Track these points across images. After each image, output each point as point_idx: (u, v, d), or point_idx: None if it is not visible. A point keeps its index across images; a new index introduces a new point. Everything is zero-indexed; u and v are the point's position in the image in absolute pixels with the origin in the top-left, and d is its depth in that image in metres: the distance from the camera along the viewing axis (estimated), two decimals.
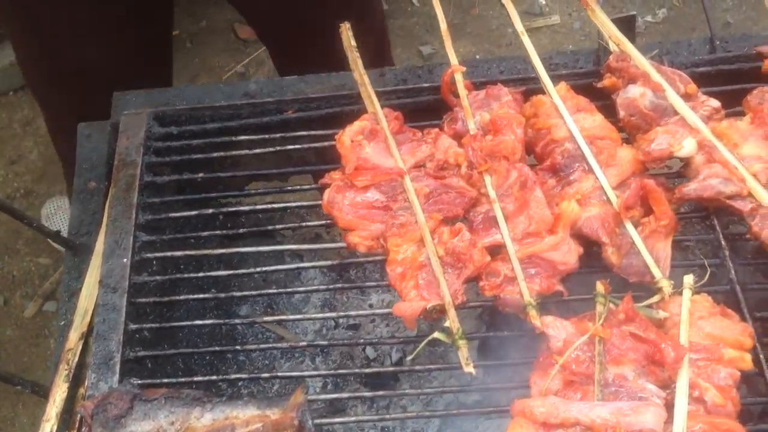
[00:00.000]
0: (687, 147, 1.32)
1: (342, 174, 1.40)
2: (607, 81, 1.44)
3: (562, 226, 1.29)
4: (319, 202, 1.39)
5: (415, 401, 1.56)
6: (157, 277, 1.34)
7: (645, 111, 1.38)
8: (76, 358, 1.29)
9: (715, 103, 1.37)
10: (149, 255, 1.35)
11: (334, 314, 1.41)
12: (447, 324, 1.26)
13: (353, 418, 1.36)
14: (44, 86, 1.97)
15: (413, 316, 1.27)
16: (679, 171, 1.38)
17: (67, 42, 1.73)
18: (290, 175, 1.58)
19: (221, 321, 1.35)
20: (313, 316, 1.44)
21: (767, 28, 3.37)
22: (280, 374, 1.31)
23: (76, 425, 1.24)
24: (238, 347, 1.28)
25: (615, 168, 1.34)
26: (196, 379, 1.25)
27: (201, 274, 1.36)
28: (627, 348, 1.19)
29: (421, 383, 1.57)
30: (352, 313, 1.42)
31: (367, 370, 1.38)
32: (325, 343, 1.36)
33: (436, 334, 1.27)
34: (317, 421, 1.13)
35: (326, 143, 1.46)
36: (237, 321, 1.38)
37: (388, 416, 1.38)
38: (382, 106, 1.48)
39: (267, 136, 1.48)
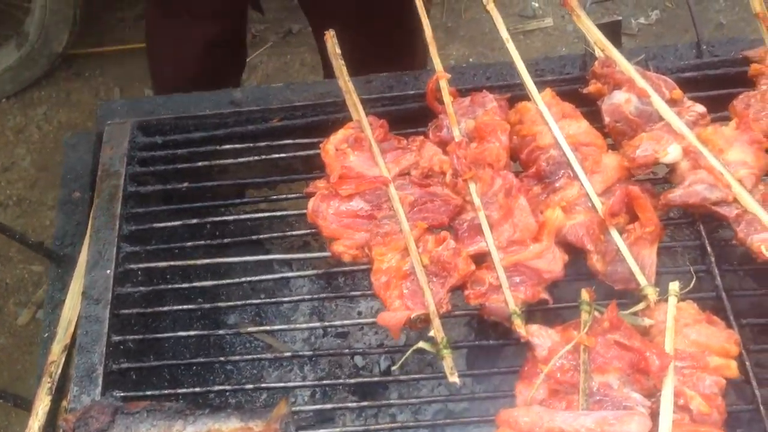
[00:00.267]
0: (672, 153, 1.31)
1: (327, 183, 1.39)
2: (593, 87, 1.43)
3: (547, 233, 1.28)
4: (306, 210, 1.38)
5: (403, 410, 1.56)
6: (141, 288, 1.33)
7: (630, 117, 1.37)
8: (59, 371, 1.28)
9: (701, 108, 1.37)
10: (133, 266, 1.34)
11: (319, 324, 1.41)
12: (432, 333, 1.26)
13: (339, 429, 1.35)
14: None
15: (398, 326, 1.26)
16: (665, 177, 1.38)
17: None
18: (276, 183, 1.58)
19: (205, 332, 1.35)
20: (298, 326, 1.43)
21: (759, 29, 3.36)
22: (263, 385, 1.31)
23: None
24: (222, 358, 1.28)
25: (600, 174, 1.34)
26: (179, 391, 1.25)
27: (186, 285, 1.35)
28: (612, 356, 1.19)
29: (410, 391, 1.57)
30: (337, 323, 1.41)
31: (351, 381, 1.38)
32: (309, 353, 1.35)
33: (421, 344, 1.26)
34: None
35: (312, 152, 1.46)
36: (221, 332, 1.37)
37: (375, 426, 1.37)
38: (368, 114, 1.47)
39: (252, 144, 1.48)
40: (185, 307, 1.33)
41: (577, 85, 1.50)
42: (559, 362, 1.19)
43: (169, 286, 1.37)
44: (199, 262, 1.37)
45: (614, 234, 1.29)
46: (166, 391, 1.24)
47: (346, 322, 1.43)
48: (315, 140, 1.46)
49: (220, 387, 1.28)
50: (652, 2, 3.58)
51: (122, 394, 1.23)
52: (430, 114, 1.50)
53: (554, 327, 1.25)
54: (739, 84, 1.45)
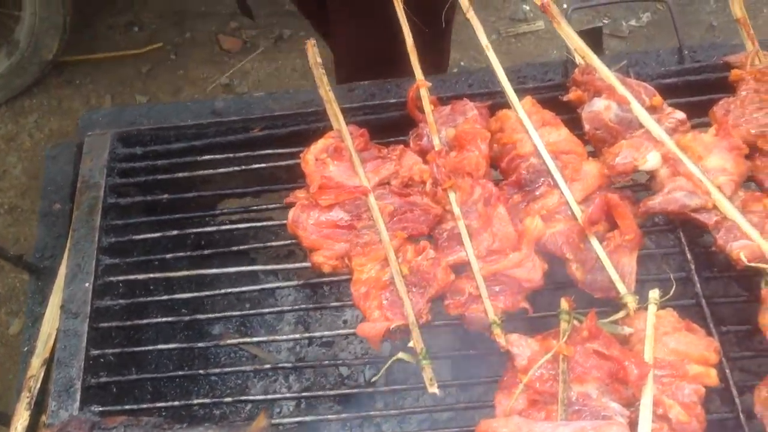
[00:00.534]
0: (651, 160, 1.31)
1: (307, 193, 1.39)
2: (573, 94, 1.43)
3: (526, 242, 1.28)
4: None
5: (389, 419, 1.55)
6: (121, 301, 1.32)
7: (610, 124, 1.37)
8: (38, 385, 1.28)
9: (681, 115, 1.36)
10: (113, 278, 1.34)
11: (299, 336, 1.40)
12: (411, 344, 1.25)
13: None
14: None
15: (377, 337, 1.26)
16: (646, 184, 1.37)
17: None
18: (257, 194, 1.57)
19: (185, 345, 1.34)
20: (278, 337, 1.43)
21: (758, 28, 3.36)
22: (243, 398, 1.30)
23: None
24: (201, 371, 1.27)
25: (580, 182, 1.33)
26: (158, 404, 1.24)
27: (166, 297, 1.35)
28: (591, 366, 1.18)
29: (395, 400, 1.56)
30: (317, 334, 1.41)
31: (332, 393, 1.36)
32: (290, 364, 1.35)
33: (401, 355, 1.26)
34: None
35: (292, 161, 1.45)
36: (201, 344, 1.37)
37: None
38: (350, 122, 1.47)
39: (233, 155, 1.47)
40: (165, 319, 1.32)
41: (559, 92, 1.50)
42: (538, 372, 1.19)
43: (149, 299, 1.36)
44: (179, 273, 1.37)
45: (594, 242, 1.29)
46: (145, 405, 1.23)
47: (326, 333, 1.42)
48: (296, 150, 1.45)
49: (200, 400, 1.27)
50: (644, 4, 3.57)
51: (101, 409, 1.22)
52: (412, 122, 1.49)
53: (534, 336, 1.24)
54: (721, 90, 1.45)
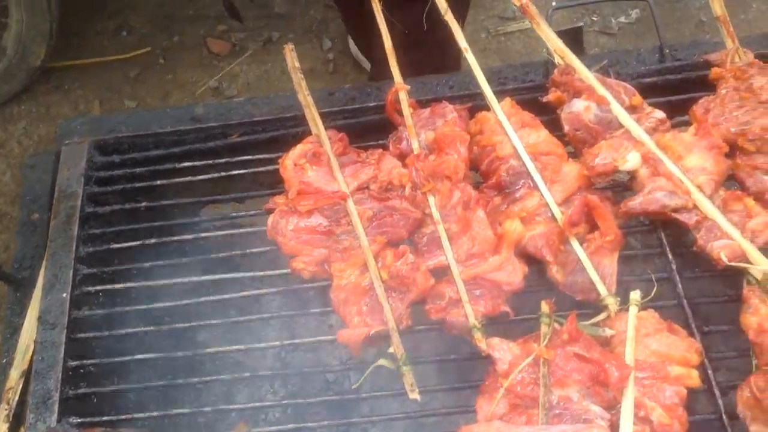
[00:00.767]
0: (631, 161, 1.30)
1: (286, 198, 1.38)
2: (552, 95, 1.42)
3: (506, 245, 1.27)
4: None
5: (376, 423, 1.54)
6: (99, 311, 1.31)
7: (590, 125, 1.36)
8: (17, 397, 1.27)
9: (660, 114, 1.36)
10: (91, 288, 1.33)
11: (278, 343, 1.39)
12: (391, 350, 1.24)
13: None
14: None
15: (357, 343, 1.25)
16: (626, 184, 1.36)
17: None
18: (240, 200, 1.56)
19: (162, 354, 1.32)
20: (257, 345, 1.41)
21: (739, 24, 3.35)
22: (223, 407, 1.29)
23: None
24: (180, 381, 1.26)
25: (560, 184, 1.32)
26: (137, 415, 1.23)
27: (144, 306, 1.33)
28: (571, 369, 1.17)
29: (380, 404, 1.55)
30: (297, 341, 1.39)
31: (313, 400, 1.35)
32: (269, 373, 1.33)
33: (381, 361, 1.25)
34: None
35: (272, 167, 1.44)
36: (179, 353, 1.35)
37: None
38: (330, 127, 1.46)
39: (212, 161, 1.46)
40: (141, 329, 1.31)
41: (540, 92, 1.49)
42: (519, 376, 1.18)
43: (129, 308, 1.35)
44: (159, 282, 1.36)
45: (574, 244, 1.28)
46: (123, 416, 1.22)
47: (304, 340, 1.40)
48: (276, 155, 1.44)
49: (178, 410, 1.26)
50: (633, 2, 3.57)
51: (79, 420, 1.21)
52: (392, 125, 1.48)
53: (516, 340, 1.23)
54: (701, 88, 1.44)
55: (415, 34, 1.64)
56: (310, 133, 1.46)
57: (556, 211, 1.30)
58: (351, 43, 3.26)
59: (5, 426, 1.25)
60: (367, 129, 1.52)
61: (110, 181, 1.46)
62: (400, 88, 1.45)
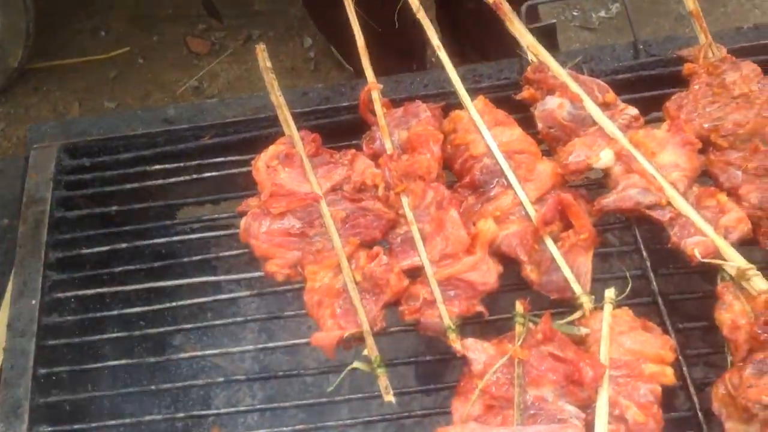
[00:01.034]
0: (604, 158, 1.30)
1: (259, 200, 1.36)
2: (526, 93, 1.41)
3: (480, 245, 1.26)
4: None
5: (353, 426, 1.53)
6: (69, 318, 1.29)
7: (563, 122, 1.35)
8: None
9: (634, 111, 1.35)
10: (61, 294, 1.31)
11: (252, 347, 1.37)
12: (366, 352, 1.23)
13: None
14: None
15: (331, 346, 1.24)
16: (600, 181, 1.36)
17: None
18: (215, 202, 1.54)
19: (134, 360, 1.31)
20: (231, 349, 1.40)
21: (719, 18, 3.37)
22: (195, 413, 1.28)
23: None
24: (153, 387, 1.24)
25: (534, 182, 1.32)
26: (109, 423, 1.21)
27: (116, 312, 1.32)
28: (546, 368, 1.17)
29: (360, 406, 1.54)
30: (271, 344, 1.38)
31: (287, 404, 1.34)
32: (243, 377, 1.32)
33: (355, 364, 1.24)
34: None
35: (245, 169, 1.43)
36: (152, 359, 1.33)
37: None
38: (303, 127, 1.45)
39: (183, 164, 1.44)
40: (114, 335, 1.30)
41: (514, 90, 1.48)
42: (494, 377, 1.17)
43: (101, 314, 1.33)
44: (129, 287, 1.34)
45: (548, 243, 1.27)
46: (95, 424, 1.21)
47: (278, 343, 1.38)
48: (248, 157, 1.42)
49: (150, 417, 1.24)
50: None
51: (50, 429, 1.19)
52: (367, 125, 1.47)
53: (490, 340, 1.23)
54: (675, 84, 1.43)
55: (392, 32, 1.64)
56: (283, 134, 1.45)
57: (530, 210, 1.29)
58: None
59: None
60: (342, 129, 1.51)
61: (80, 185, 1.44)
62: (373, 87, 1.43)
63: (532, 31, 1.47)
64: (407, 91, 1.55)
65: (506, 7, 1.47)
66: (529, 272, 1.26)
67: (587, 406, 1.15)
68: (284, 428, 1.24)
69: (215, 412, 1.32)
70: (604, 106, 1.36)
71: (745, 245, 1.25)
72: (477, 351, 1.21)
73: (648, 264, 1.29)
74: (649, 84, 1.46)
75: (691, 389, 1.19)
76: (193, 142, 1.48)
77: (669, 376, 1.18)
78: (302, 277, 1.31)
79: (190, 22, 3.60)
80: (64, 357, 1.32)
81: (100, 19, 3.61)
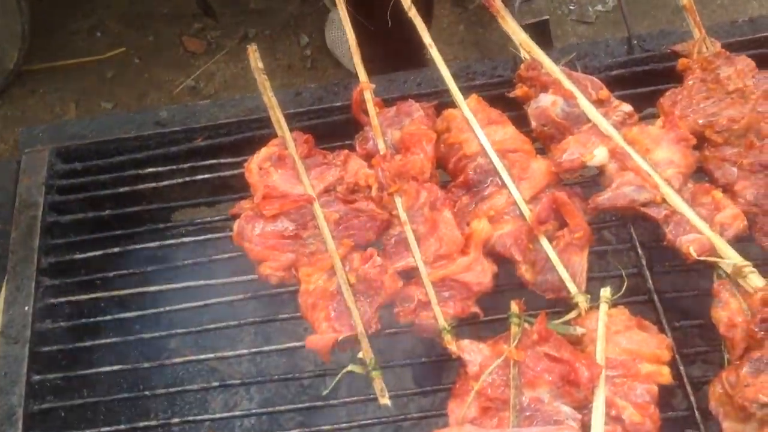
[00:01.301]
0: (599, 156, 1.29)
1: (252, 203, 1.36)
2: (519, 90, 1.40)
3: (474, 245, 1.25)
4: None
5: (350, 429, 1.53)
6: (63, 323, 1.29)
7: (557, 120, 1.34)
8: None
9: (628, 107, 1.34)
10: (54, 300, 1.30)
11: (246, 351, 1.37)
12: (361, 355, 1.23)
13: None
14: None
15: (326, 349, 1.23)
16: (595, 179, 1.35)
17: None
18: (210, 204, 1.53)
19: (129, 366, 1.30)
20: (226, 354, 1.39)
21: (716, 10, 3.35)
22: (190, 418, 1.27)
23: None
24: (147, 392, 1.24)
25: (528, 181, 1.31)
26: (103, 429, 1.21)
27: (110, 318, 1.31)
28: (542, 369, 1.16)
29: (357, 408, 1.53)
30: (266, 348, 1.37)
31: (283, 408, 1.34)
32: (237, 382, 1.31)
33: (351, 367, 1.23)
34: None
35: (237, 171, 1.42)
36: (146, 365, 1.33)
37: None
38: (296, 128, 1.44)
39: (176, 166, 1.44)
40: (109, 340, 1.29)
41: (508, 88, 1.47)
42: (490, 378, 1.17)
43: (95, 319, 1.33)
44: (125, 292, 1.33)
45: (543, 242, 1.26)
46: (90, 430, 1.20)
47: (275, 347, 1.38)
48: (241, 159, 1.42)
49: (146, 422, 1.24)
50: None
51: None
52: (360, 125, 1.46)
53: (486, 341, 1.22)
54: (670, 79, 1.42)
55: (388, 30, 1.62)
56: (276, 135, 1.44)
57: (525, 209, 1.28)
58: (328, 38, 3.23)
59: None
60: (335, 129, 1.50)
61: (72, 190, 1.43)
62: (365, 87, 1.42)
63: (525, 27, 1.45)
64: (400, 90, 1.54)
65: (498, 4, 1.45)
66: (524, 272, 1.25)
67: (583, 407, 1.14)
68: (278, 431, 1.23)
69: (211, 416, 1.31)
70: (598, 103, 1.35)
71: (741, 242, 1.24)
72: (472, 352, 1.20)
73: (644, 262, 1.28)
74: (644, 80, 1.45)
75: (688, 388, 1.19)
76: (186, 145, 1.47)
77: (666, 375, 1.17)
78: (296, 280, 1.30)
79: (185, 22, 3.59)
80: (58, 363, 1.32)
81: (96, 19, 3.60)
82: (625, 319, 1.21)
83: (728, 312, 1.17)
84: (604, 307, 1.21)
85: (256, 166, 1.36)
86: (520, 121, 1.41)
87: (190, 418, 1.25)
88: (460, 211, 1.31)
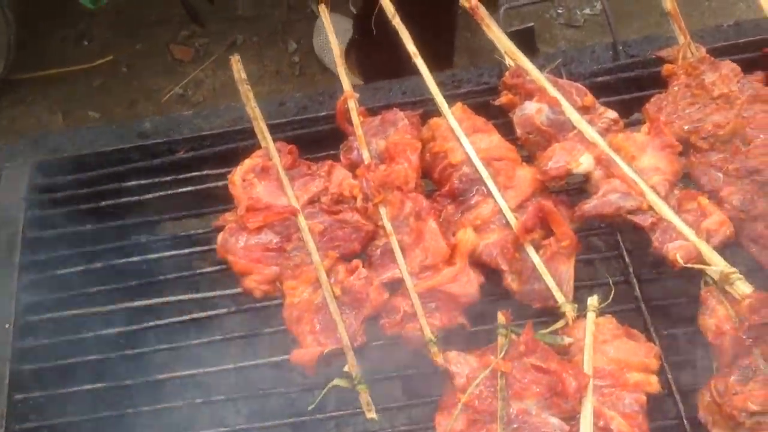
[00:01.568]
0: (584, 163, 1.28)
1: (236, 215, 1.34)
2: (504, 98, 1.39)
3: (460, 256, 1.24)
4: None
5: None
6: (45, 341, 1.27)
7: (542, 127, 1.33)
8: None
9: (613, 114, 1.33)
10: (35, 317, 1.28)
11: (232, 366, 1.35)
12: (346, 368, 1.21)
13: None
14: None
15: (311, 363, 1.22)
16: (581, 187, 1.34)
17: None
18: (195, 217, 1.51)
19: (114, 383, 1.28)
20: (209, 369, 1.37)
21: (704, 12, 3.35)
22: None
23: None
24: (129, 410, 1.22)
25: (514, 189, 1.30)
26: None
27: (92, 334, 1.29)
28: (529, 381, 1.15)
29: (346, 420, 1.52)
30: (250, 363, 1.36)
31: (268, 423, 1.32)
32: (222, 397, 1.30)
33: (336, 382, 1.22)
34: None
35: (221, 183, 1.40)
36: (129, 382, 1.31)
37: None
38: (280, 139, 1.42)
39: (158, 179, 1.42)
40: (92, 357, 1.27)
41: (493, 95, 1.46)
42: (477, 390, 1.15)
43: (75, 336, 1.31)
44: (108, 308, 1.32)
45: (529, 251, 1.25)
46: None
47: (251, 362, 1.36)
48: (225, 170, 1.40)
49: None
50: None
51: None
52: (344, 134, 1.45)
53: (473, 352, 1.21)
54: (655, 85, 1.41)
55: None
56: (260, 146, 1.42)
57: (511, 218, 1.27)
58: (316, 44, 3.22)
59: None
60: (320, 139, 1.48)
61: (53, 204, 1.41)
62: (349, 96, 1.41)
63: (510, 35, 1.45)
64: (385, 99, 1.53)
65: (483, 12, 1.44)
66: (511, 282, 1.24)
67: (571, 418, 1.13)
68: None
69: None
70: (583, 109, 1.34)
71: (728, 248, 1.24)
72: (459, 364, 1.19)
73: (631, 269, 1.27)
74: (629, 86, 1.44)
75: (677, 396, 1.18)
76: (169, 157, 1.45)
77: (654, 384, 1.16)
78: (281, 293, 1.29)
79: (173, 29, 3.57)
80: (40, 381, 1.30)
81: (83, 27, 3.58)
82: (613, 327, 1.20)
83: (716, 319, 1.16)
84: (591, 315, 1.20)
85: (239, 177, 1.35)
86: (506, 129, 1.40)
87: None
88: (446, 220, 1.30)
